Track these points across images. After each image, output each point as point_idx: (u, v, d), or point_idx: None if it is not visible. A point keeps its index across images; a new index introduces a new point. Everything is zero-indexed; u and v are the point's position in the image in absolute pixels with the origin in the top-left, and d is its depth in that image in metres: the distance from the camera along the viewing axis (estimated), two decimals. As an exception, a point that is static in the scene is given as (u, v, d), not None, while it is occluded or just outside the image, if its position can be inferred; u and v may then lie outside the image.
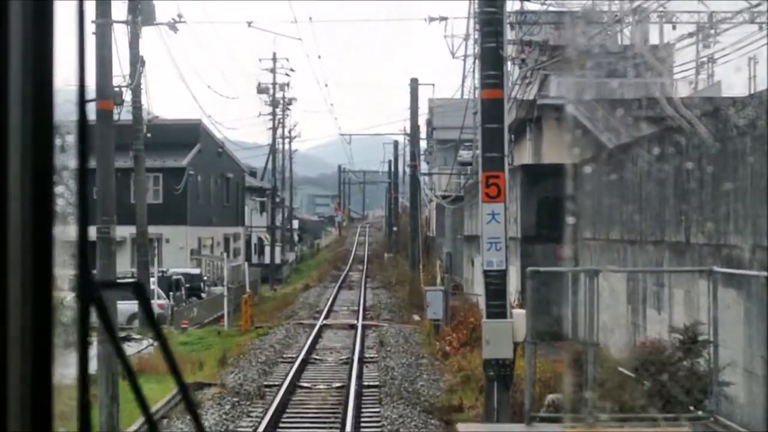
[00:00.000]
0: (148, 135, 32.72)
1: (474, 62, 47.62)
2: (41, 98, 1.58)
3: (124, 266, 41.10)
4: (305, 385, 21.67)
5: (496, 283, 15.74)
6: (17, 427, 1.55)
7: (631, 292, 23.43)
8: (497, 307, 15.74)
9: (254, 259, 70.80)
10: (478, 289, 38.70)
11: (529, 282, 11.05)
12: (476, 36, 43.63)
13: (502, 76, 15.53)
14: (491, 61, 15.44)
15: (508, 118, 16.65)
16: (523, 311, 16.21)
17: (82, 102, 1.62)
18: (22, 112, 1.56)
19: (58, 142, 1.59)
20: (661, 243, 21.41)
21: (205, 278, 49.18)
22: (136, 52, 32.40)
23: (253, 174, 77.24)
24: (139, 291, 1.91)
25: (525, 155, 40.67)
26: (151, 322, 1.99)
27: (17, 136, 1.55)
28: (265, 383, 21.61)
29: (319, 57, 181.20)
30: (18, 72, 1.55)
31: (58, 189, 1.60)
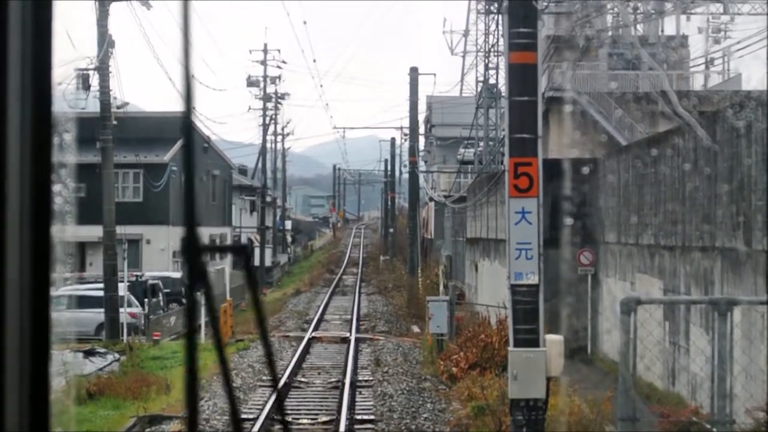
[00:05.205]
0: (115, 123, 29.11)
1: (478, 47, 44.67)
2: (41, 98, 1.60)
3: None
4: (285, 419, 18.08)
5: (526, 302, 12.27)
6: (14, 427, 1.55)
7: (667, 308, 19.96)
8: (527, 333, 12.28)
9: (243, 261, 67.40)
10: (483, 297, 35.45)
11: (625, 318, 7.31)
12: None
13: (535, 34, 12.05)
14: (522, 14, 11.95)
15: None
16: (558, 338, 12.77)
17: (188, 107, 1.66)
18: (22, 112, 1.58)
19: (56, 140, 1.60)
20: (710, 249, 18.00)
21: (187, 282, 45.54)
22: (105, 31, 28.92)
23: (243, 172, 73.76)
24: (244, 254, 1.94)
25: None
26: (253, 288, 1.97)
27: (17, 135, 1.57)
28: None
29: (314, 61, 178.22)
30: (18, 72, 1.58)
31: (56, 187, 1.59)
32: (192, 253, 1.64)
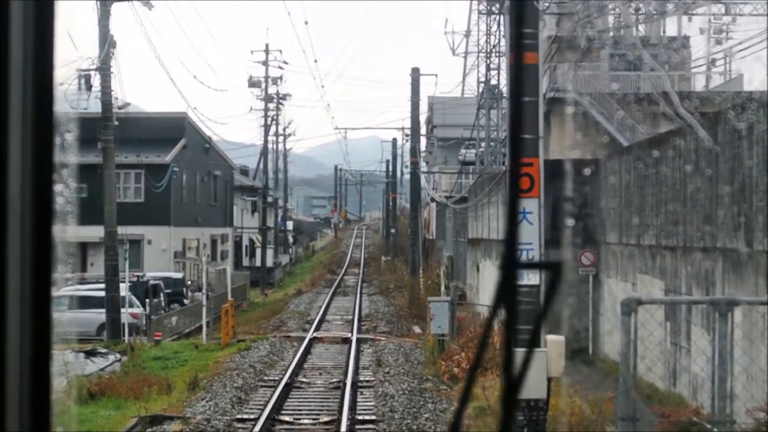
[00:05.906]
0: (116, 123, 29.12)
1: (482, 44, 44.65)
2: (42, 98, 1.59)
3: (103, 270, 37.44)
4: (286, 419, 18.09)
5: (527, 302, 12.25)
6: (15, 427, 1.54)
7: (668, 309, 19.92)
8: (528, 333, 12.23)
9: (245, 261, 67.49)
10: (484, 298, 35.43)
11: (625, 318, 7.31)
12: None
13: (537, 35, 12.04)
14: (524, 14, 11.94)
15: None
16: (559, 338, 12.76)
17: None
18: (23, 112, 1.57)
19: (57, 141, 1.58)
20: (711, 250, 17.99)
21: (189, 283, 45.57)
22: (106, 31, 28.93)
23: (244, 172, 73.76)
24: (557, 271, 1.80)
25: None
26: (546, 304, 1.85)
27: (18, 135, 1.57)
28: (239, 416, 18.03)
29: (316, 61, 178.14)
30: (18, 72, 1.57)
31: (58, 187, 1.58)
32: (509, 268, 1.66)
